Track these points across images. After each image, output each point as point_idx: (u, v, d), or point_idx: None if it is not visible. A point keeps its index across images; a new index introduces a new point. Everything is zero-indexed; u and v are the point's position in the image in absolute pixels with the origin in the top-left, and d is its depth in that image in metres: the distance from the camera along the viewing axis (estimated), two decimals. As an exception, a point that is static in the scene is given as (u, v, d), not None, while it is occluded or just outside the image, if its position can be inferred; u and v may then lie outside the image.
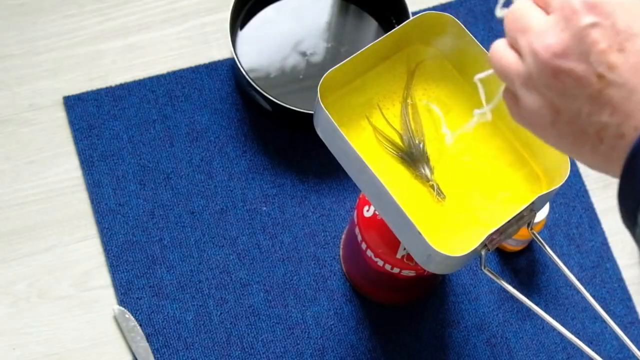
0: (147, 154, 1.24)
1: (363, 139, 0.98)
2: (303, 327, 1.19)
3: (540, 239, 0.98)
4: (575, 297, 1.23)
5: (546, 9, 0.67)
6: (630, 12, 0.65)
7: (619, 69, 0.64)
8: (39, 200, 1.22)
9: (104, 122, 1.25)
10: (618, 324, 1.22)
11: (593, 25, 0.64)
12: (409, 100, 1.00)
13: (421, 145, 0.98)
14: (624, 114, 0.64)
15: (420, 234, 0.90)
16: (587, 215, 1.27)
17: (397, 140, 0.98)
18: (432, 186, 0.97)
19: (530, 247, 1.25)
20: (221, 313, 1.19)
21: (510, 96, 0.70)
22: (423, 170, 0.98)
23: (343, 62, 0.95)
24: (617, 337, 1.22)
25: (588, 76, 0.64)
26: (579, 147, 0.67)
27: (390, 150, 0.98)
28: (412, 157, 0.98)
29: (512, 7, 0.69)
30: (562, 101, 0.66)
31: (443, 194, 0.97)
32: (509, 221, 0.93)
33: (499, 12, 0.71)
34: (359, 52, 0.96)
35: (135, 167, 1.24)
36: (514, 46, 0.68)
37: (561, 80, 0.65)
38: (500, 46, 0.69)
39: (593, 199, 1.28)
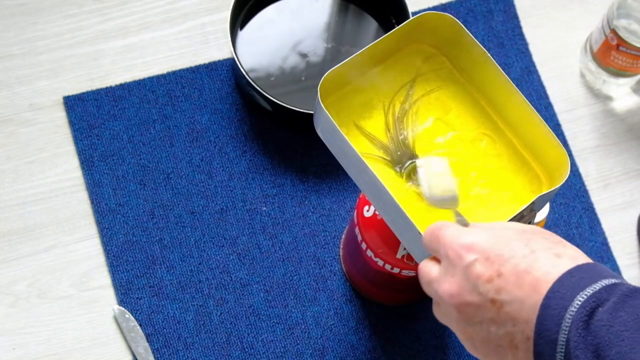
0: (147, 154, 1.24)
1: (363, 139, 0.98)
2: (303, 327, 1.19)
3: (540, 239, 0.98)
4: (575, 297, 1.23)
5: (440, 260, 0.82)
6: (499, 242, 0.79)
7: (503, 289, 0.77)
8: (39, 200, 1.22)
9: (104, 122, 1.25)
10: (618, 324, 1.22)
11: (472, 263, 0.78)
12: (408, 101, 1.00)
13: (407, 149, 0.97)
14: (523, 321, 0.76)
15: (420, 234, 0.90)
16: (587, 215, 1.27)
17: (387, 143, 0.97)
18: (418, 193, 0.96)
19: (530, 247, 1.25)
20: (221, 313, 1.19)
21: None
22: (413, 176, 0.97)
23: (343, 62, 0.95)
24: (617, 337, 1.22)
25: (483, 303, 0.78)
26: (504, 359, 0.79)
27: (379, 157, 0.97)
28: (400, 161, 0.97)
29: (420, 265, 0.85)
30: (472, 328, 0.79)
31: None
32: (509, 221, 0.93)
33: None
34: (359, 52, 0.96)
35: (135, 167, 1.24)
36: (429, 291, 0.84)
37: (465, 312, 0.79)
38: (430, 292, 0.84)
39: (593, 199, 1.28)
